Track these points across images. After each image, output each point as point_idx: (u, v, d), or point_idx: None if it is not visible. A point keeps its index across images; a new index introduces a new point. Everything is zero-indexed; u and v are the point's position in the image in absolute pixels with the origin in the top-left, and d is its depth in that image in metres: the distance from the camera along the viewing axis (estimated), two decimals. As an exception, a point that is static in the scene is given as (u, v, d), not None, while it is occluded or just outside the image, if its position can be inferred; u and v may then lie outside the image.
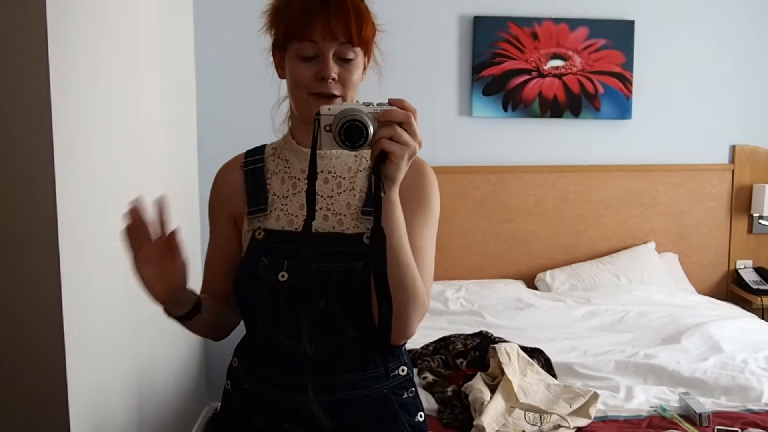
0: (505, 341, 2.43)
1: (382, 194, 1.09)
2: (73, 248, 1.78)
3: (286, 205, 1.30)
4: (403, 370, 1.34)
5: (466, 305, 3.26)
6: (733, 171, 3.79)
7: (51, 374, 1.74)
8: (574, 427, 2.00)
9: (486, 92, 3.60)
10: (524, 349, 2.37)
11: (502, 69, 3.59)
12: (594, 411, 2.07)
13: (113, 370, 2.19)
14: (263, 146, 1.40)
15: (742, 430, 1.96)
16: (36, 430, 1.76)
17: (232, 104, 3.43)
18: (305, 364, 1.25)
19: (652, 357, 2.53)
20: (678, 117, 3.78)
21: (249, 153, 1.39)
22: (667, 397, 2.22)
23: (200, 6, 3.36)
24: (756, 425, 2.00)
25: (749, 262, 3.84)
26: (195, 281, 1.26)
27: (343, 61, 1.24)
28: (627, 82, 3.66)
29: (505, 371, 2.15)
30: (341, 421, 1.26)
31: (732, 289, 3.80)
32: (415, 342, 2.59)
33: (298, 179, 1.32)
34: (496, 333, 2.62)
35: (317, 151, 1.14)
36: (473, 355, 2.41)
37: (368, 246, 1.21)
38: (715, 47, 3.77)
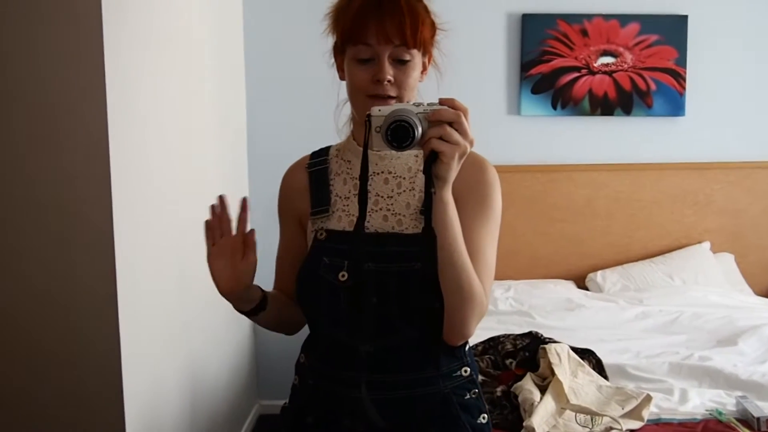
0: (555, 342, 2.40)
1: (433, 193, 1.09)
2: (128, 248, 1.82)
3: (348, 205, 1.31)
4: (465, 371, 1.33)
5: (515, 305, 3.23)
6: (791, 168, 3.69)
7: (107, 374, 1.78)
8: (626, 430, 1.97)
9: (535, 90, 3.57)
10: (575, 350, 2.34)
11: (551, 67, 3.56)
12: (647, 414, 2.04)
13: (167, 370, 2.23)
14: (328, 147, 1.41)
15: (803, 435, 1.92)
16: (92, 430, 1.80)
17: (281, 107, 3.47)
18: (361, 362, 1.26)
19: (708, 359, 2.48)
20: (733, 113, 3.69)
21: (314, 154, 1.40)
22: (723, 401, 2.18)
23: (249, 9, 3.41)
24: (817, 430, 1.95)
25: (809, 262, 3.71)
26: (261, 279, 1.31)
27: (399, 63, 1.24)
28: (680, 78, 3.58)
29: (556, 372, 2.13)
30: (396, 420, 1.26)
31: (791, 290, 3.69)
32: (464, 342, 2.57)
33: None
34: (545, 334, 2.58)
35: (377, 153, 1.15)
36: (523, 355, 2.39)
37: (420, 245, 1.21)
38: (770, 41, 3.67)
